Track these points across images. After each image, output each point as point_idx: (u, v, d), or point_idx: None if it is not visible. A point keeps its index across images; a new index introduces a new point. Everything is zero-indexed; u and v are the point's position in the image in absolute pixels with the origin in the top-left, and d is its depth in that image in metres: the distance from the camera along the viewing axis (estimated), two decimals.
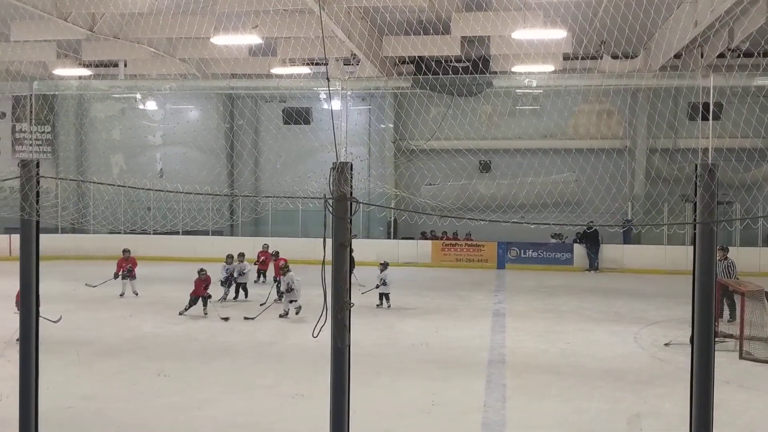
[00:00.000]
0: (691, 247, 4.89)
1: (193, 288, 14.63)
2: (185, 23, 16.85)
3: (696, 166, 4.55)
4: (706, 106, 20.64)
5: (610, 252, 23.91)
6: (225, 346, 12.07)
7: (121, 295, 16.95)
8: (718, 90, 22.09)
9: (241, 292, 16.78)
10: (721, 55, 19.59)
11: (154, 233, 25.13)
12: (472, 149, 25.47)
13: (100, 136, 28.93)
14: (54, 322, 12.84)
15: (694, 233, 4.65)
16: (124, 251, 17.60)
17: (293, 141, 25.60)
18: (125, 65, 23.88)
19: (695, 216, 4.52)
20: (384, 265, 15.98)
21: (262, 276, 19.23)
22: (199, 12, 16.75)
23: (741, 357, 11.29)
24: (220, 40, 18.18)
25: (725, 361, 11.11)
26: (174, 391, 9.36)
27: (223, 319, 14.10)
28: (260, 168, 28.23)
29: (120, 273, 17.20)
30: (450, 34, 18.53)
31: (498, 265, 24.33)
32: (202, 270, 14.75)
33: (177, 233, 25.20)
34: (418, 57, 21.60)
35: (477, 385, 9.84)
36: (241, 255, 16.82)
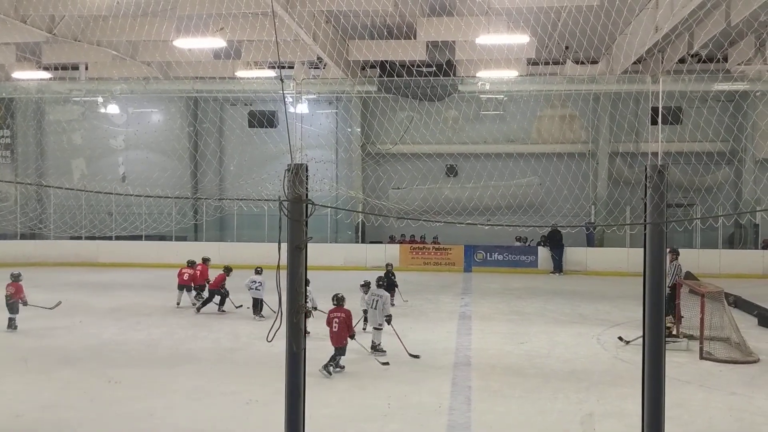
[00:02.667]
0: None
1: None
2: (148, 26, 16.64)
3: (645, 167, 4.60)
4: (665, 109, 21.06)
5: (573, 255, 24.17)
6: (188, 353, 11.90)
7: (177, 304, 16.25)
8: (678, 94, 22.58)
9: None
10: (682, 61, 19.99)
11: (116, 238, 24.79)
12: (438, 153, 25.63)
13: (61, 139, 28.43)
14: (50, 308, 13.95)
15: (644, 234, 4.71)
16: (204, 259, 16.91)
17: (258, 144, 25.43)
18: (86, 68, 23.51)
19: (645, 216, 4.57)
20: (367, 285, 12.83)
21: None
22: (161, 14, 16.54)
23: (701, 357, 11.45)
24: (182, 43, 17.97)
25: (686, 362, 11.28)
26: (135, 399, 9.20)
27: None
28: (224, 171, 28.00)
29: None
30: (415, 39, 18.60)
31: (465, 268, 24.47)
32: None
33: (140, 238, 24.86)
34: (384, 61, 21.66)
35: (443, 387, 9.84)
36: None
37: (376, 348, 11.53)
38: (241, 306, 15.64)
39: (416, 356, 11.41)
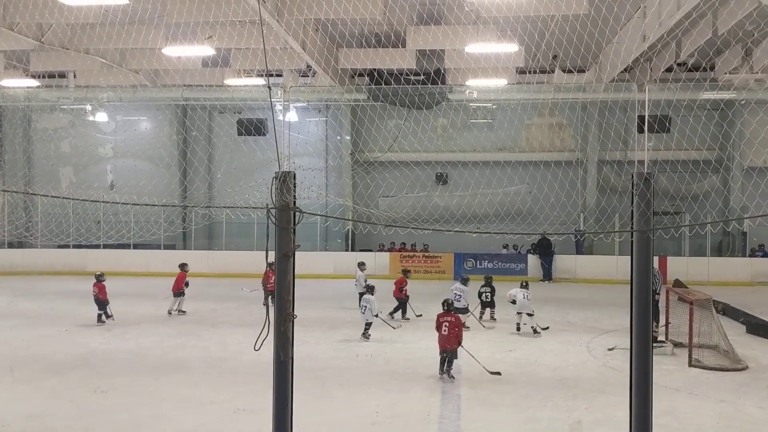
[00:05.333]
0: None
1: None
2: (136, 33, 16.59)
3: (632, 175, 4.63)
4: (652, 118, 21.20)
5: (563, 262, 24.23)
6: (177, 362, 11.83)
7: (169, 312, 16.46)
8: (665, 103, 22.72)
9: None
10: (669, 70, 20.15)
11: (104, 247, 24.66)
12: (427, 161, 25.67)
13: (48, 147, 28.26)
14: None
15: (631, 241, 4.74)
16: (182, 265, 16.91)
17: (246, 152, 25.38)
18: (74, 76, 23.40)
19: (632, 224, 4.60)
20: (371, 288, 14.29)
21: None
22: (149, 22, 16.51)
23: (690, 365, 11.50)
24: (171, 50, 17.95)
25: (675, 369, 11.33)
26: (122, 408, 9.14)
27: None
28: (212, 179, 27.90)
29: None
30: (405, 47, 18.64)
31: (455, 276, 24.39)
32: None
33: (128, 246, 24.72)
34: (374, 69, 21.69)
35: (432, 395, 9.84)
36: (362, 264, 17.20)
37: (535, 330, 14.25)
38: (421, 315, 15.73)
39: (546, 328, 14.47)
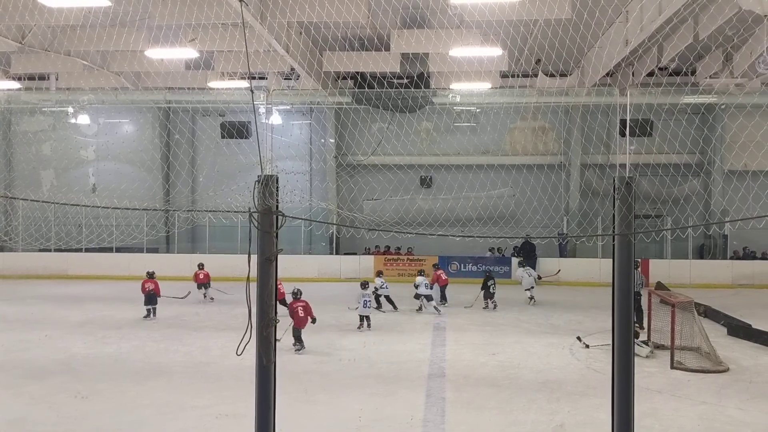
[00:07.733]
0: None
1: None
2: (118, 36, 16.49)
3: (614, 179, 4.67)
4: (634, 122, 21.38)
5: (546, 265, 24.30)
6: (159, 367, 11.74)
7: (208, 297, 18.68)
8: (647, 107, 22.92)
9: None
10: (650, 74, 20.34)
11: (86, 250, 24.45)
12: (411, 165, 25.71)
13: (29, 150, 27.97)
14: (182, 297, 17.26)
15: (613, 244, 4.78)
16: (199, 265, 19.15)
17: (229, 155, 25.27)
18: (56, 78, 23.20)
19: (613, 228, 4.63)
20: (365, 285, 15.68)
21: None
22: (131, 24, 16.41)
23: (672, 367, 11.58)
24: (154, 53, 17.85)
25: (657, 371, 11.40)
26: (104, 413, 9.05)
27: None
28: (195, 183, 27.74)
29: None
30: (389, 51, 18.67)
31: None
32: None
33: (110, 250, 24.53)
34: (357, 72, 21.69)
35: (417, 399, 9.82)
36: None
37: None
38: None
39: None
